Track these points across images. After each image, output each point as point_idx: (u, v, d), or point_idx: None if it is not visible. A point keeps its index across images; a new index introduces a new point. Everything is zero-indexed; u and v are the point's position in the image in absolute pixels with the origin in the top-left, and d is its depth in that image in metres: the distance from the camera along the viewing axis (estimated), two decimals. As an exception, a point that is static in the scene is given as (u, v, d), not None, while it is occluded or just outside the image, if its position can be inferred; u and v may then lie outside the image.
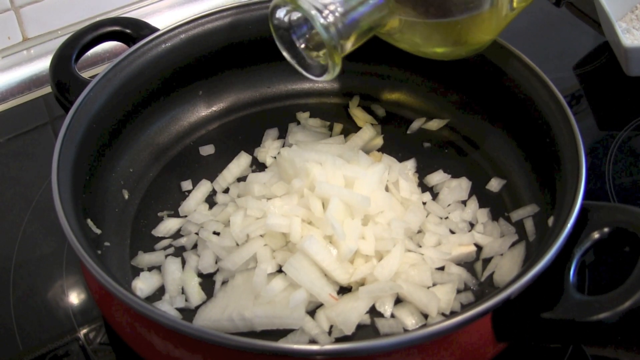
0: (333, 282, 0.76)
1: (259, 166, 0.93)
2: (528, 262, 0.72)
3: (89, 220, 0.77)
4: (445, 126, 0.96)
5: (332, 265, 0.75)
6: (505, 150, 0.89)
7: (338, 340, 0.72)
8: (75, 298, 0.82)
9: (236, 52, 0.96)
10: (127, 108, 0.87)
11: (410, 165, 0.91)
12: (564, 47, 1.18)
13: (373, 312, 0.74)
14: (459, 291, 0.76)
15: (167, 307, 0.75)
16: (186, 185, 0.89)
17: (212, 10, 0.92)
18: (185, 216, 0.86)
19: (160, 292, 0.78)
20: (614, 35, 1.05)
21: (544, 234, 0.73)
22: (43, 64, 1.13)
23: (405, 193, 0.85)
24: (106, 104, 0.83)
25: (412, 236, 0.82)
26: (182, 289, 0.78)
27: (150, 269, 0.80)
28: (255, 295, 0.74)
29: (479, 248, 0.81)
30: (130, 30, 0.91)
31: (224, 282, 0.78)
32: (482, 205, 0.86)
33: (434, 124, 0.96)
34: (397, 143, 0.94)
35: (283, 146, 0.94)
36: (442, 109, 0.96)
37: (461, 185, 0.87)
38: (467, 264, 0.80)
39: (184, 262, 0.80)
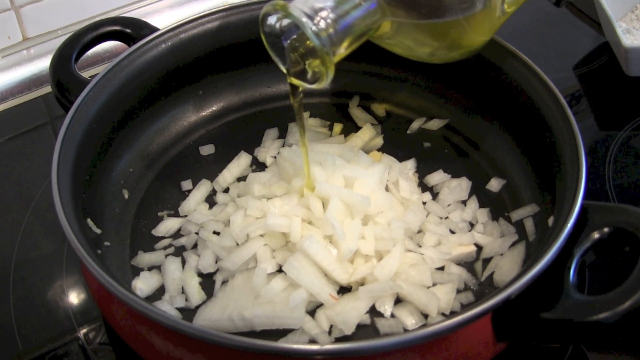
0: (333, 282, 0.76)
1: (259, 166, 0.93)
2: (528, 262, 0.72)
3: (89, 220, 0.77)
4: (445, 126, 0.96)
5: (332, 265, 0.75)
6: (505, 150, 0.89)
7: (338, 340, 0.72)
8: (75, 298, 0.82)
9: (236, 52, 0.96)
10: (127, 108, 0.87)
11: (410, 165, 0.91)
12: (564, 47, 1.18)
13: (373, 312, 0.74)
14: (459, 291, 0.76)
15: (167, 307, 0.75)
16: (186, 185, 0.89)
17: (212, 10, 0.93)
18: (185, 216, 0.86)
19: (160, 291, 0.78)
20: (614, 35, 1.05)
21: (544, 234, 0.73)
22: (43, 64, 1.13)
23: (405, 193, 0.85)
24: (106, 103, 0.83)
25: (412, 236, 0.82)
26: (182, 288, 0.78)
27: (150, 269, 0.80)
28: (255, 295, 0.74)
29: (479, 248, 0.81)
30: (130, 30, 0.91)
31: (224, 282, 0.78)
32: (482, 205, 0.86)
33: (434, 124, 0.96)
34: (397, 143, 0.94)
35: (283, 146, 0.94)
36: (442, 109, 0.96)
37: (461, 185, 0.87)
38: (467, 264, 0.80)
39: (184, 262, 0.80)
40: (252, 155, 0.93)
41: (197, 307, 0.75)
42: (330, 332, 0.72)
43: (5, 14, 1.09)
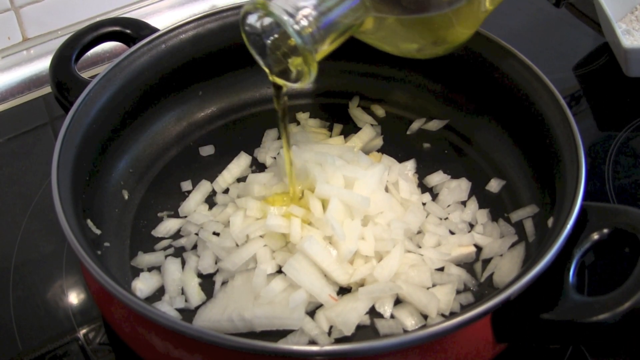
0: (333, 283, 0.76)
1: (258, 167, 0.93)
2: (528, 262, 0.73)
3: (88, 221, 0.77)
4: (445, 127, 0.96)
5: (331, 266, 0.75)
6: (504, 150, 0.89)
7: (338, 341, 0.72)
8: (74, 298, 0.82)
9: (236, 52, 0.95)
10: (127, 108, 0.87)
11: (410, 165, 0.91)
12: (564, 47, 1.18)
13: (373, 312, 0.74)
14: (458, 292, 0.76)
15: (167, 308, 0.75)
16: (186, 185, 0.89)
17: (213, 11, 0.93)
18: (185, 216, 0.86)
19: (160, 292, 0.78)
20: (613, 36, 1.05)
21: (544, 234, 0.73)
22: (43, 64, 1.13)
23: (405, 194, 0.85)
24: (106, 104, 0.83)
25: (411, 237, 0.82)
26: (182, 289, 0.78)
27: (150, 270, 0.80)
28: (255, 295, 0.74)
29: (479, 249, 0.81)
30: (130, 31, 0.91)
31: (224, 283, 0.78)
32: (481, 205, 0.86)
33: (434, 125, 0.96)
34: (396, 143, 0.94)
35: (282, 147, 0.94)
36: (442, 110, 0.96)
37: (461, 186, 0.87)
38: (467, 265, 0.80)
39: (183, 263, 0.80)
40: (251, 156, 0.93)
41: (197, 307, 0.75)
42: (330, 333, 0.72)
43: (5, 14, 1.09)
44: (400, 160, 0.91)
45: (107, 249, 0.79)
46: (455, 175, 0.89)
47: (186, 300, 0.76)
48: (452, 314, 0.73)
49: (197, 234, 0.83)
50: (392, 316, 0.74)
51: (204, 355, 0.62)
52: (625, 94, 1.07)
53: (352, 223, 0.78)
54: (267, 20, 0.68)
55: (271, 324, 0.71)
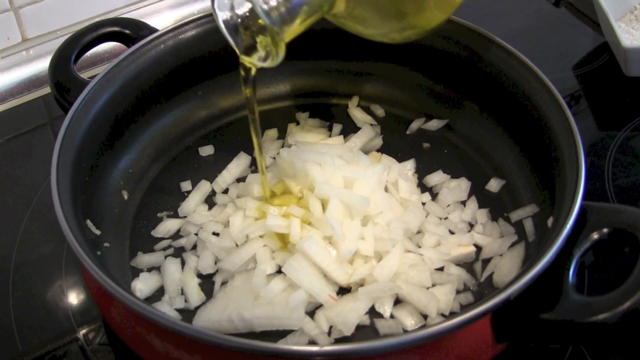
0: (332, 283, 0.76)
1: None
2: (527, 262, 0.73)
3: (88, 221, 0.77)
4: (445, 126, 0.96)
5: (331, 266, 0.75)
6: (504, 150, 0.89)
7: (337, 341, 0.72)
8: (74, 298, 0.82)
9: (236, 53, 0.95)
10: (126, 109, 0.87)
11: (409, 165, 0.91)
12: (563, 47, 1.18)
13: (372, 312, 0.74)
14: (458, 292, 0.76)
15: (167, 308, 0.75)
16: (186, 185, 0.89)
17: (211, 11, 0.92)
18: (185, 217, 0.86)
19: (159, 292, 0.78)
20: (613, 35, 1.05)
21: (544, 234, 0.73)
22: (42, 65, 1.13)
23: (405, 193, 0.85)
24: (105, 104, 0.83)
25: (411, 237, 0.82)
26: (182, 289, 0.78)
27: (149, 270, 0.80)
28: (254, 296, 0.74)
29: (479, 248, 0.81)
30: (130, 31, 0.91)
31: (224, 283, 0.78)
32: (481, 205, 0.86)
33: (433, 124, 0.96)
34: (396, 143, 0.94)
35: (282, 147, 0.94)
36: (442, 110, 0.96)
37: (460, 186, 0.87)
38: (467, 265, 0.80)
39: (183, 263, 0.80)
40: (251, 156, 0.93)
41: (197, 308, 0.75)
42: (329, 333, 0.72)
43: (4, 14, 1.09)
44: (400, 160, 0.91)
45: (106, 249, 0.79)
46: (454, 175, 0.89)
47: (186, 301, 0.76)
48: (452, 314, 0.73)
49: (196, 234, 0.83)
50: (391, 316, 0.74)
51: (204, 356, 0.62)
52: (624, 94, 1.07)
53: (351, 223, 0.78)
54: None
55: (271, 324, 0.71)
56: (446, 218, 0.84)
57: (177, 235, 0.84)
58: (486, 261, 0.80)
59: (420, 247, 0.80)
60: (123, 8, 1.21)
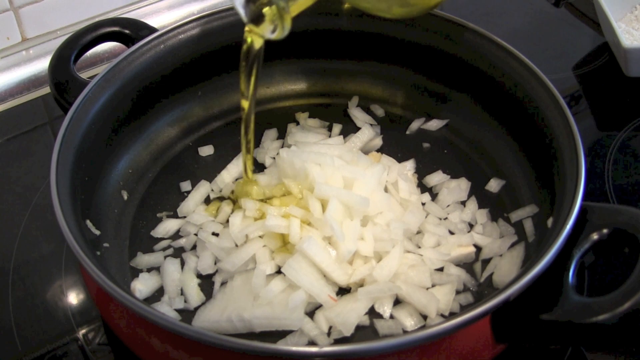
0: (332, 283, 0.76)
1: (258, 167, 0.92)
2: (527, 263, 0.73)
3: (87, 221, 0.77)
4: (445, 126, 0.96)
5: (331, 266, 0.75)
6: (504, 150, 0.89)
7: (337, 341, 0.71)
8: (74, 298, 0.82)
9: (235, 53, 0.95)
10: (126, 109, 0.87)
11: (409, 165, 0.91)
12: (563, 47, 1.18)
13: (372, 313, 0.74)
14: (458, 292, 0.76)
15: (166, 308, 0.75)
16: (185, 186, 0.89)
17: (211, 11, 0.92)
18: (184, 217, 0.85)
19: (159, 293, 0.78)
20: (613, 35, 1.05)
21: (544, 234, 0.73)
22: (42, 65, 1.13)
23: (405, 194, 0.85)
24: (105, 104, 0.83)
25: (411, 237, 0.82)
26: (181, 290, 0.78)
27: (149, 270, 0.79)
28: (254, 296, 0.73)
29: (478, 249, 0.81)
30: (129, 31, 0.91)
31: (223, 283, 0.78)
32: (481, 205, 0.86)
33: (433, 125, 0.96)
34: (396, 143, 0.94)
35: (282, 147, 0.94)
36: (442, 110, 0.96)
37: (460, 186, 0.87)
38: (467, 265, 0.80)
39: (183, 263, 0.80)
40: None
41: (196, 308, 0.75)
42: (329, 334, 0.72)
43: (4, 14, 1.09)
44: (400, 160, 0.91)
45: (106, 249, 0.79)
46: (454, 175, 0.89)
47: (185, 301, 0.76)
48: (452, 315, 0.73)
49: (196, 235, 0.83)
50: (391, 316, 0.74)
51: (203, 356, 0.62)
52: (624, 94, 1.07)
53: (351, 223, 0.78)
54: None
55: (270, 324, 0.71)
56: (446, 218, 0.84)
57: (176, 235, 0.84)
58: (486, 261, 0.80)
59: (420, 247, 0.80)
60: (123, 8, 1.20)
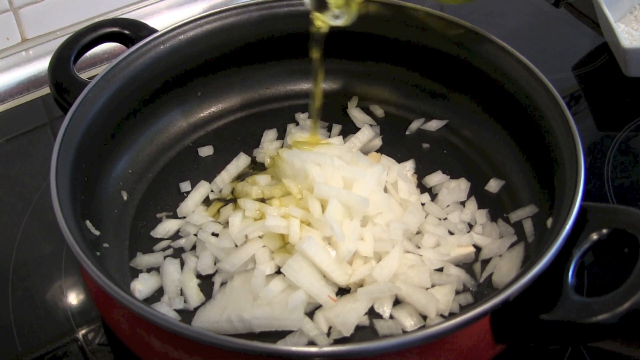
0: (332, 284, 0.76)
1: (258, 167, 0.92)
2: (527, 263, 0.72)
3: (87, 222, 0.77)
4: (444, 127, 0.96)
5: (330, 267, 0.75)
6: (504, 151, 0.89)
7: (337, 341, 0.72)
8: (74, 299, 0.82)
9: (235, 53, 0.96)
10: (125, 109, 0.87)
11: (409, 166, 0.91)
12: (563, 47, 1.18)
13: (372, 313, 0.74)
14: (457, 292, 0.76)
15: (166, 309, 0.75)
16: (185, 186, 0.89)
17: (211, 12, 0.92)
18: (184, 217, 0.85)
19: (159, 293, 0.78)
20: (612, 36, 1.05)
21: (543, 235, 0.73)
22: (42, 65, 1.13)
23: (404, 194, 0.85)
24: (105, 105, 0.83)
25: (411, 237, 0.82)
26: (181, 290, 0.78)
27: (149, 270, 0.79)
28: (254, 296, 0.73)
29: (478, 249, 0.81)
30: (129, 32, 0.91)
31: (223, 284, 0.78)
32: (481, 206, 0.86)
33: (433, 125, 0.96)
34: (396, 144, 0.94)
35: (282, 147, 0.94)
36: (441, 110, 0.96)
37: (460, 186, 0.87)
38: (466, 265, 0.80)
39: (182, 264, 0.80)
40: (250, 157, 0.93)
41: (196, 308, 0.75)
42: (329, 334, 0.72)
43: (4, 15, 1.09)
44: (400, 160, 0.91)
45: (106, 249, 0.79)
46: (454, 176, 0.89)
47: (185, 301, 0.76)
48: (452, 315, 0.73)
49: (196, 235, 0.83)
50: (391, 317, 0.74)
51: (203, 357, 0.62)
52: (624, 94, 1.07)
53: (351, 223, 0.78)
54: None
55: (270, 324, 0.71)
56: (445, 219, 0.84)
57: (176, 235, 0.84)
58: (485, 262, 0.80)
59: (419, 247, 0.80)
60: (123, 8, 1.20)
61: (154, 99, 0.92)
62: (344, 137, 0.95)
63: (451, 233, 0.83)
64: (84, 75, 0.88)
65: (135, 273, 0.79)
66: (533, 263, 0.62)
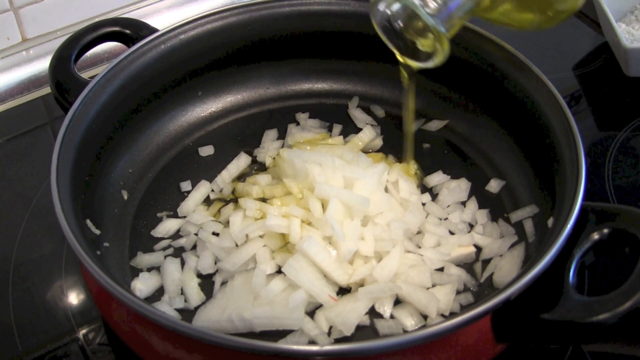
0: (332, 283, 0.76)
1: (258, 167, 0.92)
2: (528, 263, 0.72)
3: (88, 221, 0.77)
4: (445, 127, 0.96)
5: (331, 266, 0.75)
6: (504, 151, 0.89)
7: (337, 341, 0.72)
8: (74, 298, 0.82)
9: (235, 53, 0.96)
10: (126, 109, 0.87)
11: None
12: (564, 47, 1.18)
13: (372, 313, 0.74)
14: (458, 292, 0.76)
15: (167, 308, 0.75)
16: (185, 185, 0.89)
17: (212, 11, 0.92)
18: (185, 217, 0.85)
19: (159, 292, 0.78)
20: (613, 35, 1.05)
21: (544, 234, 0.73)
22: (42, 65, 1.13)
23: (405, 194, 0.85)
24: (105, 104, 0.83)
25: (411, 237, 0.82)
26: (182, 289, 0.78)
27: (149, 270, 0.79)
28: (254, 296, 0.74)
29: (479, 249, 0.81)
30: (130, 31, 0.91)
31: (224, 283, 0.78)
32: (481, 206, 0.86)
33: (434, 125, 0.96)
34: (396, 144, 0.94)
35: (282, 147, 0.94)
36: (442, 110, 0.96)
37: (460, 186, 0.87)
38: (467, 265, 0.80)
39: (183, 263, 0.80)
40: (251, 157, 0.93)
41: (197, 308, 0.75)
42: (329, 333, 0.72)
43: (4, 14, 1.09)
44: (400, 160, 0.91)
45: (106, 249, 0.79)
46: (455, 176, 0.89)
47: (185, 301, 0.76)
48: (452, 314, 0.73)
49: (196, 234, 0.83)
50: (391, 316, 0.74)
51: (204, 356, 0.62)
52: (625, 94, 1.07)
53: (351, 223, 0.78)
54: (396, 6, 0.75)
55: (271, 324, 0.71)
56: (446, 218, 0.84)
57: (176, 235, 0.84)
58: (486, 262, 0.80)
59: (420, 247, 0.80)
60: (123, 8, 1.20)
61: (155, 99, 0.92)
62: (344, 137, 0.95)
63: (452, 233, 0.83)
64: (84, 75, 0.88)
65: (135, 272, 0.79)
66: (534, 263, 0.62)
